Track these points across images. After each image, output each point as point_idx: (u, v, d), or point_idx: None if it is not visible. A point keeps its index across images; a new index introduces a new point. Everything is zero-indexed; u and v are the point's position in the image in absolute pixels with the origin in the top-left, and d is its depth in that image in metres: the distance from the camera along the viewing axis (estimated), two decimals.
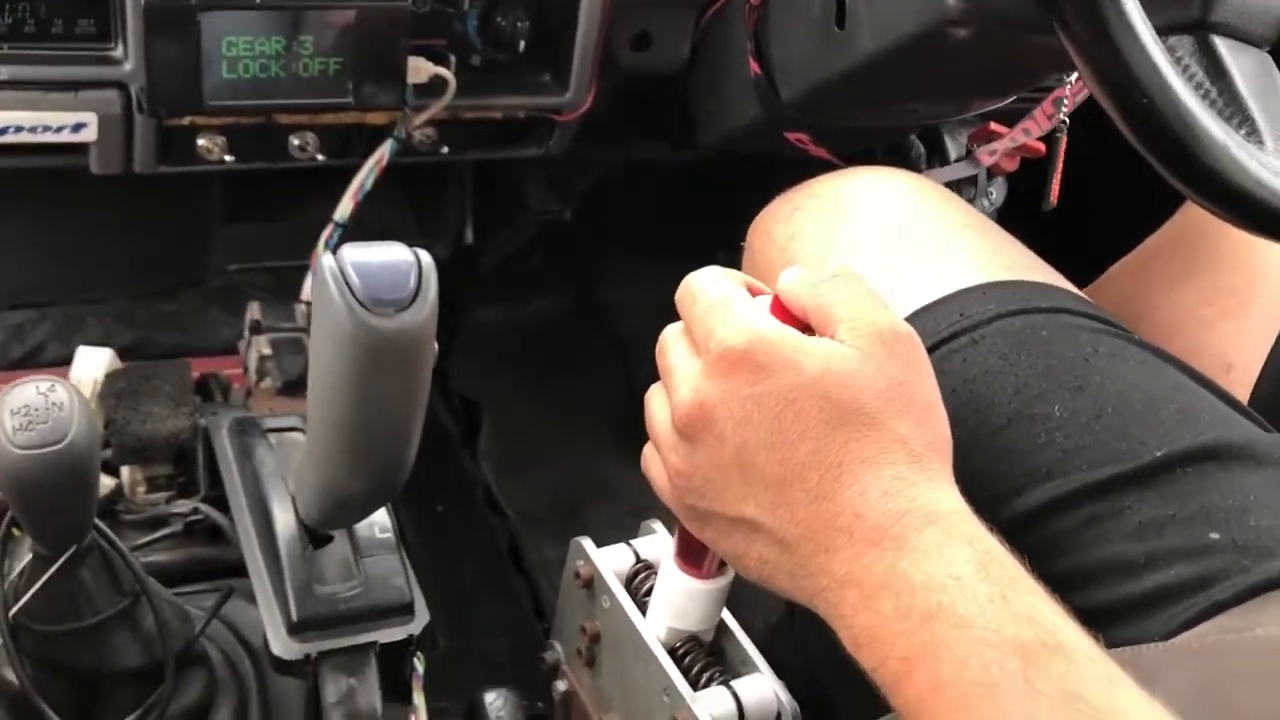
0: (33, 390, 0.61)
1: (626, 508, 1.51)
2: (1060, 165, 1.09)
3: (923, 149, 1.23)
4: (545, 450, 1.52)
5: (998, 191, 1.27)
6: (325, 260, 0.59)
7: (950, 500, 0.53)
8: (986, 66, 0.91)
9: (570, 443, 1.54)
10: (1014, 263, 0.77)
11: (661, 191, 1.49)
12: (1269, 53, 0.73)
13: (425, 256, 0.61)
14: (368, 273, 0.58)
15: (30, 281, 1.12)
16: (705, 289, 0.58)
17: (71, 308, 1.11)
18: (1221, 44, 0.70)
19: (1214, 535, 0.61)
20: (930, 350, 0.71)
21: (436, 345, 0.63)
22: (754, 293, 0.61)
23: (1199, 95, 0.67)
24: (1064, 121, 1.10)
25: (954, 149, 1.24)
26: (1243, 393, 0.90)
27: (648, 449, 0.61)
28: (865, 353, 0.55)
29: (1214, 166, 0.61)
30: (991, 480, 0.66)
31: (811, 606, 0.54)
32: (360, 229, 0.99)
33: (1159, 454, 0.64)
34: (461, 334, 1.53)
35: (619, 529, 1.50)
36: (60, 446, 0.60)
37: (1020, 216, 1.24)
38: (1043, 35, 0.69)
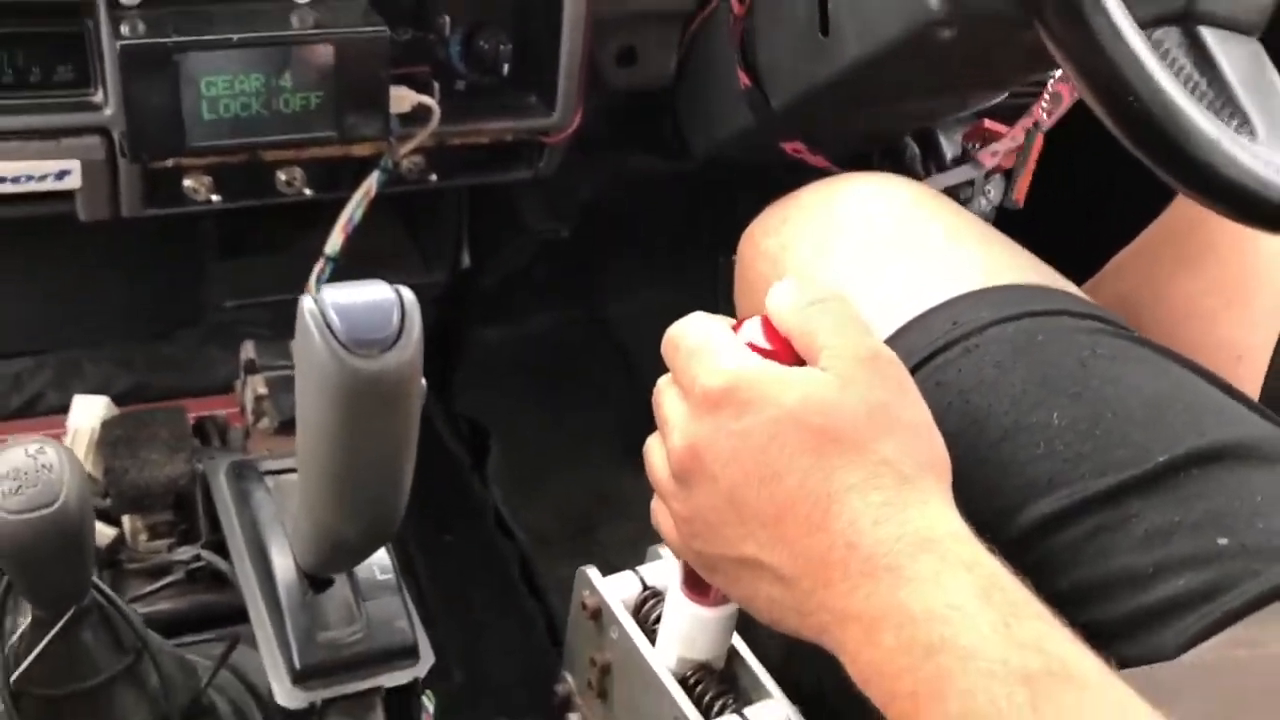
0: (21, 453, 0.60)
1: (639, 523, 1.50)
2: (1031, 166, 1.08)
3: (918, 151, 1.22)
4: (554, 469, 1.51)
5: (995, 189, 1.25)
6: (305, 302, 0.58)
7: (945, 522, 0.52)
8: (976, 64, 0.90)
9: (579, 460, 1.54)
10: (1009, 266, 0.76)
11: (659, 202, 1.49)
12: (1259, 40, 0.72)
13: (407, 294, 0.60)
14: (349, 314, 0.57)
15: (26, 329, 1.11)
16: (686, 335, 0.58)
17: (68, 354, 1.11)
18: (1209, 34, 0.69)
19: (1222, 540, 0.60)
20: (924, 361, 0.71)
21: (424, 382, 0.62)
22: (743, 318, 0.60)
23: (1188, 89, 0.66)
24: (1039, 123, 1.09)
25: (950, 149, 1.23)
26: (1254, 384, 0.89)
27: (655, 501, 0.61)
28: (845, 378, 0.54)
29: (1207, 162, 0.60)
30: (994, 494, 0.65)
31: (822, 644, 0.53)
32: (356, 257, 0.98)
33: (1162, 459, 0.62)
34: (464, 356, 1.53)
35: (631, 546, 1.50)
36: (52, 509, 0.59)
37: (1018, 213, 1.23)
38: (1028, 30, 0.68)
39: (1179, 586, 0.59)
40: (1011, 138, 1.15)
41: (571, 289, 1.58)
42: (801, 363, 0.58)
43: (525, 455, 1.51)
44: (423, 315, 1.31)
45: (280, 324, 1.19)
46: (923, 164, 1.23)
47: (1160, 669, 0.55)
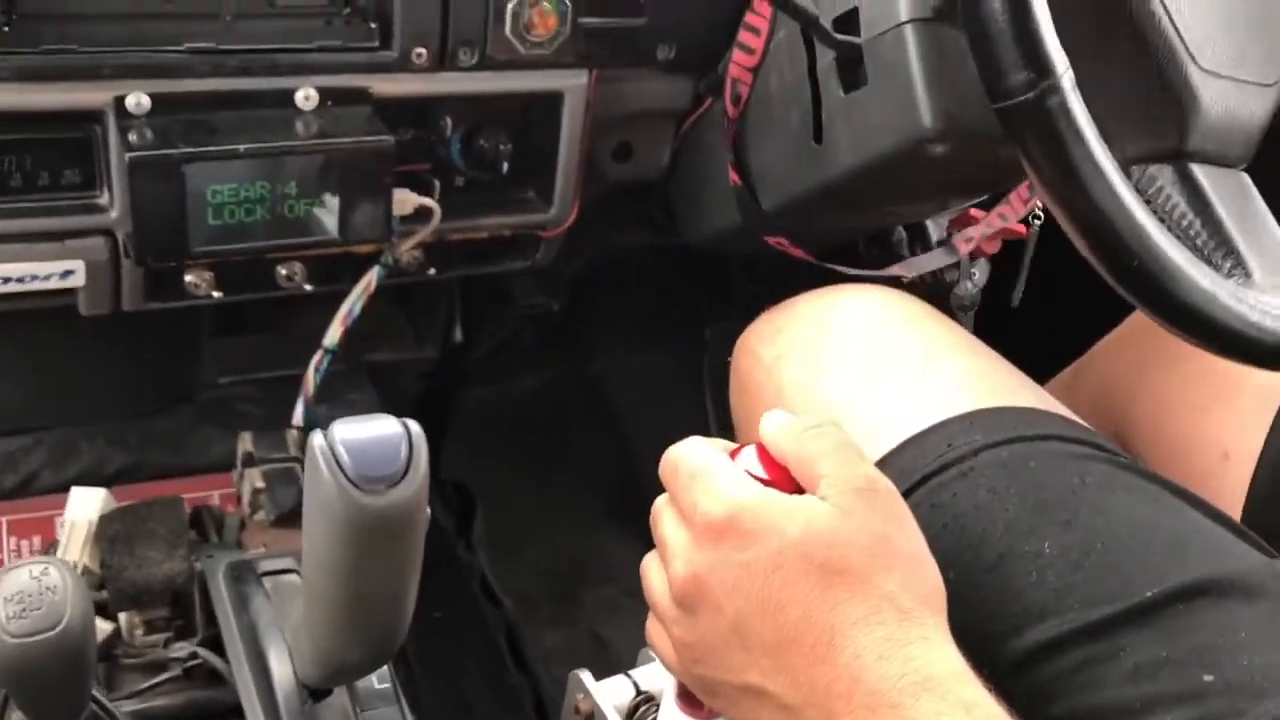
0: (26, 575, 0.61)
1: (624, 588, 1.52)
2: (1028, 263, 1.10)
3: (905, 235, 1.23)
4: (540, 532, 1.51)
5: (980, 273, 1.27)
6: (315, 439, 0.59)
7: (946, 661, 0.53)
8: (964, 173, 0.92)
9: (565, 523, 1.54)
10: (998, 386, 0.77)
11: (647, 271, 1.50)
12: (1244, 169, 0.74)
13: (414, 427, 0.61)
14: (358, 450, 0.59)
15: (20, 407, 1.11)
16: (685, 459, 0.59)
17: (63, 432, 1.11)
18: (1200, 171, 0.71)
19: (1207, 677, 0.61)
20: (920, 483, 0.72)
21: (429, 511, 0.63)
22: (739, 446, 0.61)
23: (1181, 229, 0.68)
24: (1038, 215, 1.11)
25: (936, 233, 1.25)
26: (1241, 480, 0.90)
27: (651, 621, 0.62)
28: (845, 509, 0.56)
29: (1209, 318, 0.61)
30: (986, 619, 0.66)
31: None
32: (350, 336, 0.99)
33: (1149, 594, 0.64)
34: (451, 421, 1.53)
35: (616, 611, 1.50)
36: (55, 633, 0.60)
37: (1004, 297, 1.25)
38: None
39: None
40: (987, 224, 1.17)
41: (558, 353, 1.59)
42: (800, 489, 0.59)
43: (511, 519, 1.51)
44: (413, 388, 1.31)
45: (274, 401, 1.20)
46: (909, 247, 1.24)
47: None
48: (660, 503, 0.61)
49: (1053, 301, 1.26)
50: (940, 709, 0.51)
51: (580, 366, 1.61)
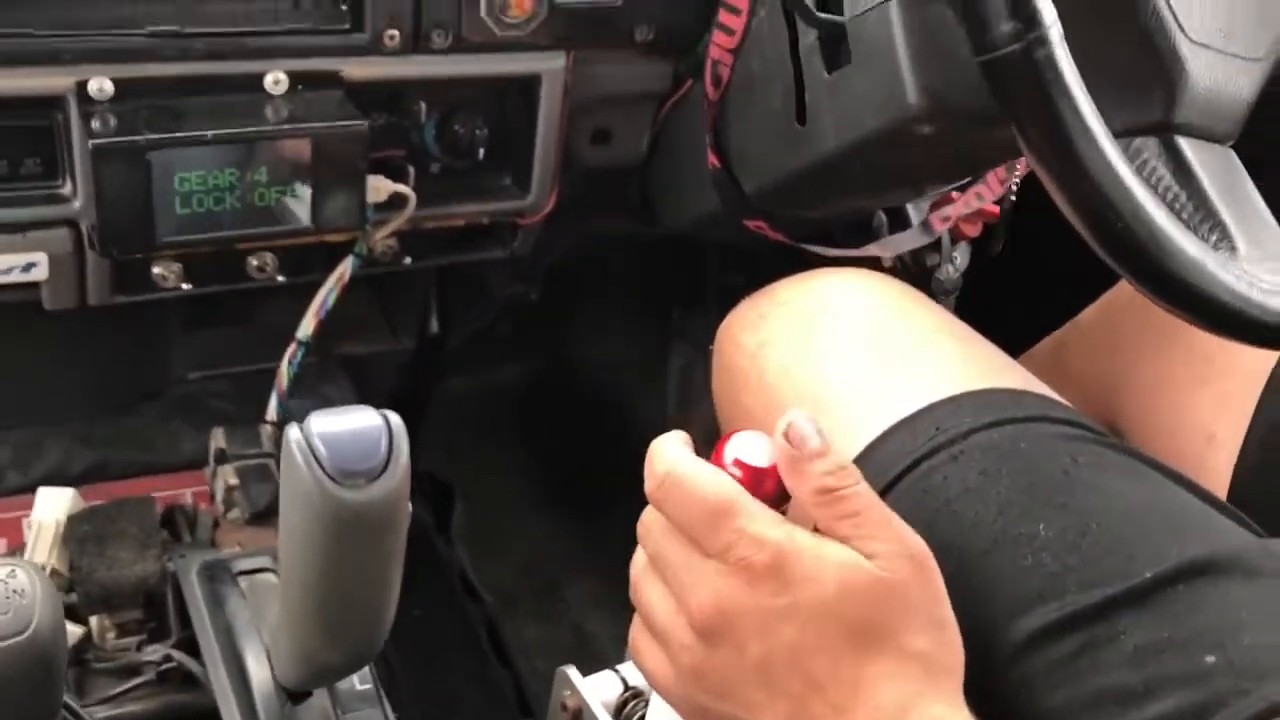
0: None
1: (606, 581, 1.50)
2: (1005, 226, 1.10)
3: (885, 219, 1.22)
4: (520, 526, 1.50)
5: (962, 257, 1.26)
6: (292, 432, 0.57)
7: (962, 715, 0.53)
8: (948, 155, 0.90)
9: (545, 515, 1.53)
10: (985, 369, 0.76)
11: (622, 259, 1.49)
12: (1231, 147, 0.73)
13: (394, 419, 0.59)
14: (336, 444, 0.56)
15: None
16: (699, 486, 0.56)
17: (29, 430, 1.08)
18: (1186, 144, 0.69)
19: (1210, 658, 0.60)
20: (910, 468, 0.71)
21: (410, 506, 0.61)
22: (728, 435, 0.60)
23: (1166, 200, 0.67)
24: (1011, 197, 1.10)
25: (916, 216, 1.23)
26: (1226, 462, 0.90)
27: (640, 638, 0.60)
28: (883, 571, 0.54)
29: (1194, 287, 0.60)
30: (982, 605, 0.65)
31: None
32: (325, 327, 0.97)
33: (1149, 574, 0.63)
34: (428, 413, 1.51)
35: (599, 605, 1.49)
36: (23, 638, 0.57)
37: (985, 279, 1.24)
38: (1006, 128, 0.69)
39: (1170, 706, 0.59)
40: (965, 203, 1.16)
41: (535, 342, 1.57)
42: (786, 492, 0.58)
43: (489, 511, 1.50)
44: (389, 380, 1.29)
45: (246, 396, 1.18)
46: (890, 230, 1.23)
47: None
48: (659, 522, 0.58)
49: (1033, 285, 1.26)
50: None
51: (558, 357, 1.60)
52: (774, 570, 0.54)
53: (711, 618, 0.55)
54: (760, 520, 0.55)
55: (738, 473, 0.57)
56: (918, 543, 0.57)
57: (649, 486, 0.58)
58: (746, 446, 0.58)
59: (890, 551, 0.55)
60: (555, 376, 1.60)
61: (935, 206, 1.19)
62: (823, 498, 0.56)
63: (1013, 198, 1.12)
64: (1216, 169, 0.70)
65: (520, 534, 1.49)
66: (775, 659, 0.54)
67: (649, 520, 0.59)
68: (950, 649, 0.56)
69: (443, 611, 1.37)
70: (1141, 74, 0.69)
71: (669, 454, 0.57)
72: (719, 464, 0.58)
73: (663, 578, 0.58)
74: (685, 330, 1.55)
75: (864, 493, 0.57)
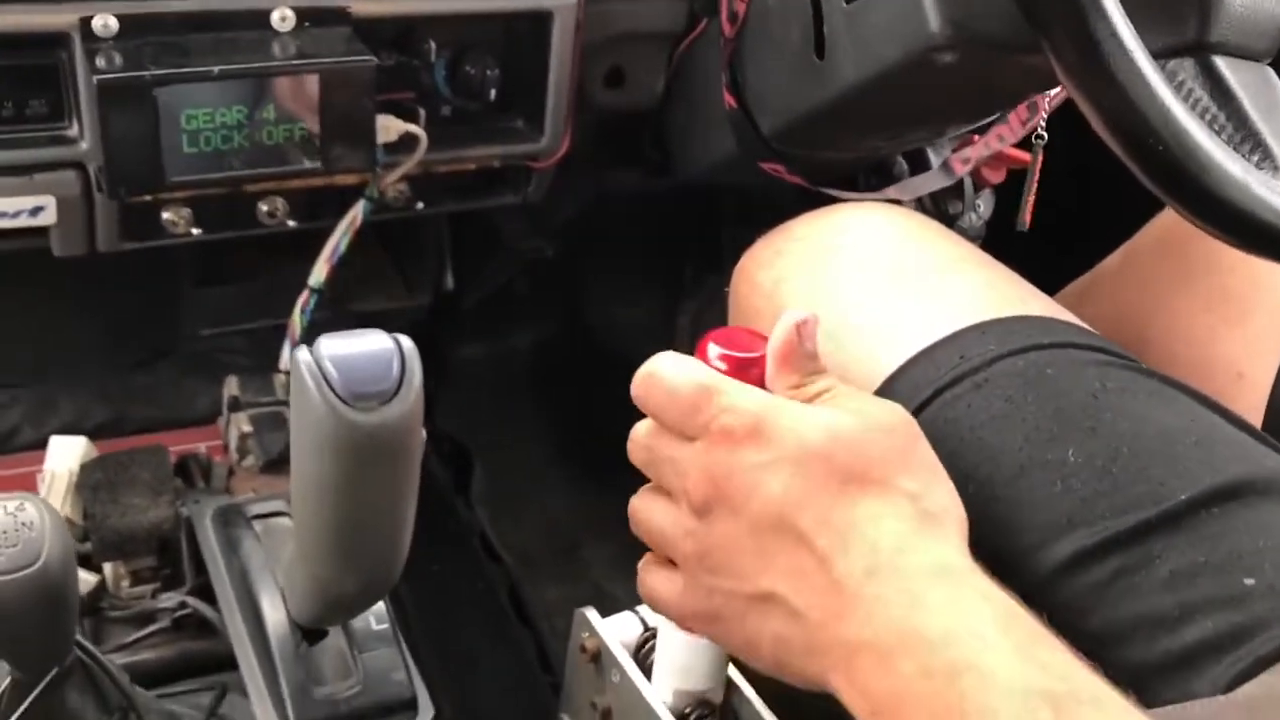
0: (1, 511, 0.58)
1: (627, 541, 1.49)
2: (1034, 183, 1.07)
3: (905, 165, 1.20)
4: (540, 487, 1.49)
5: (985, 204, 1.24)
6: (301, 355, 0.56)
7: (962, 558, 0.52)
8: (969, 88, 0.88)
9: (565, 476, 1.52)
10: (1010, 297, 0.75)
11: (638, 216, 1.47)
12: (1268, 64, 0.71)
13: (407, 342, 0.57)
14: (347, 366, 0.55)
15: None
16: (679, 378, 0.57)
17: (43, 388, 1.08)
18: (1222, 63, 0.68)
19: (1249, 581, 0.58)
20: (933, 397, 0.69)
21: (424, 432, 0.60)
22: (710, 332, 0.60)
23: (1205, 120, 0.65)
24: (1041, 135, 1.07)
25: (936, 159, 1.21)
26: (1256, 401, 0.88)
27: (647, 570, 0.60)
28: (869, 417, 0.55)
29: (1238, 207, 0.58)
30: (1012, 532, 0.64)
31: (825, 686, 0.52)
32: (337, 283, 0.96)
33: (1183, 497, 0.61)
34: (445, 375, 1.50)
35: (618, 568, 1.48)
36: (33, 570, 0.56)
37: (1010, 231, 1.22)
38: (1030, 55, 0.67)
39: (1208, 629, 0.58)
40: (986, 145, 1.14)
41: (553, 303, 1.56)
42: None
43: (509, 474, 1.49)
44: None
45: (259, 352, 1.17)
46: (911, 174, 1.21)
47: (1193, 707, 0.54)
48: (644, 428, 0.58)
49: (1060, 231, 1.23)
50: (957, 595, 0.50)
51: (574, 318, 1.59)
52: (755, 430, 0.54)
53: (705, 491, 0.55)
54: (740, 393, 0.56)
55: (722, 365, 0.58)
56: (901, 409, 0.57)
57: (633, 390, 0.58)
58: (729, 340, 0.59)
59: (874, 408, 0.56)
60: (572, 338, 1.59)
61: (956, 149, 1.17)
62: (799, 392, 0.56)
63: (1040, 139, 1.10)
64: (1255, 87, 0.68)
65: (540, 496, 1.49)
66: (765, 517, 0.53)
67: (636, 432, 0.59)
68: (946, 496, 0.55)
69: (463, 572, 1.36)
70: None
71: (651, 359, 0.58)
72: (703, 359, 0.58)
73: (656, 483, 0.58)
74: (699, 288, 1.53)
75: (839, 384, 0.57)
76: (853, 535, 0.52)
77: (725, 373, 0.57)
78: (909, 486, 0.53)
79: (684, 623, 0.60)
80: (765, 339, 0.59)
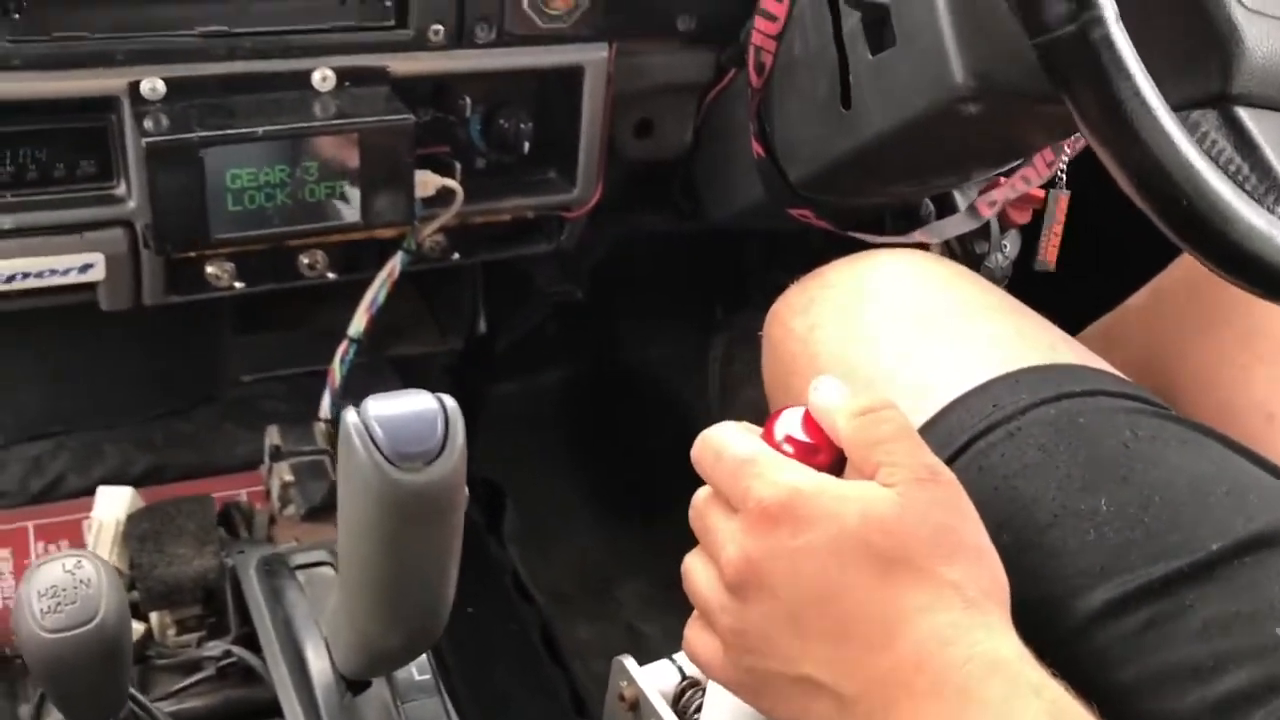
0: (59, 569, 0.59)
1: (658, 581, 1.50)
2: (1058, 224, 1.07)
3: (933, 207, 1.21)
4: (571, 528, 1.50)
5: (1011, 244, 1.25)
6: (349, 416, 0.57)
7: (1011, 646, 0.52)
8: (994, 136, 0.90)
9: (596, 514, 1.53)
10: (1041, 344, 0.75)
11: (667, 257, 1.49)
12: None
13: (450, 402, 0.59)
14: (393, 426, 0.57)
15: (44, 411, 1.10)
16: (728, 445, 0.57)
17: (88, 435, 1.10)
18: (1245, 114, 0.68)
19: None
20: (966, 446, 0.70)
21: (467, 490, 0.61)
22: (777, 410, 0.60)
23: (1230, 174, 0.65)
24: (1060, 179, 1.08)
25: (963, 203, 1.22)
26: None
27: (692, 626, 0.60)
28: (907, 498, 0.54)
29: (1263, 259, 0.59)
30: (1045, 582, 0.64)
31: None
32: (375, 328, 0.98)
33: (1215, 547, 0.61)
34: (478, 416, 1.52)
35: (651, 604, 1.48)
36: (91, 626, 0.58)
37: (1034, 268, 1.22)
38: (1054, 105, 0.68)
39: (1241, 679, 0.58)
40: (1011, 187, 1.15)
41: (583, 345, 1.57)
42: (843, 459, 0.57)
43: (541, 514, 1.50)
44: (438, 382, 1.30)
45: (299, 398, 1.19)
46: (938, 217, 1.22)
47: None
48: (702, 494, 0.59)
49: (1085, 272, 1.24)
50: (1009, 692, 0.49)
51: (605, 358, 1.60)
52: (789, 510, 0.54)
53: (740, 570, 0.55)
54: (776, 466, 0.56)
55: (790, 449, 0.58)
56: (931, 463, 0.56)
57: (692, 454, 0.59)
58: (797, 423, 0.59)
59: (899, 475, 0.54)
60: (601, 378, 1.60)
61: (982, 192, 1.18)
62: (858, 421, 0.56)
63: (1059, 184, 1.10)
64: (1277, 137, 0.69)
65: (572, 535, 1.49)
66: (803, 604, 0.53)
67: (696, 497, 0.59)
68: (988, 575, 0.54)
69: (495, 613, 1.37)
70: (1197, 46, 0.68)
71: (714, 428, 0.58)
72: (769, 441, 0.58)
73: (707, 550, 0.58)
74: (729, 328, 1.54)
75: (898, 417, 0.57)
76: (899, 628, 0.51)
77: (794, 457, 0.57)
78: (952, 576, 0.52)
79: (728, 688, 0.60)
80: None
